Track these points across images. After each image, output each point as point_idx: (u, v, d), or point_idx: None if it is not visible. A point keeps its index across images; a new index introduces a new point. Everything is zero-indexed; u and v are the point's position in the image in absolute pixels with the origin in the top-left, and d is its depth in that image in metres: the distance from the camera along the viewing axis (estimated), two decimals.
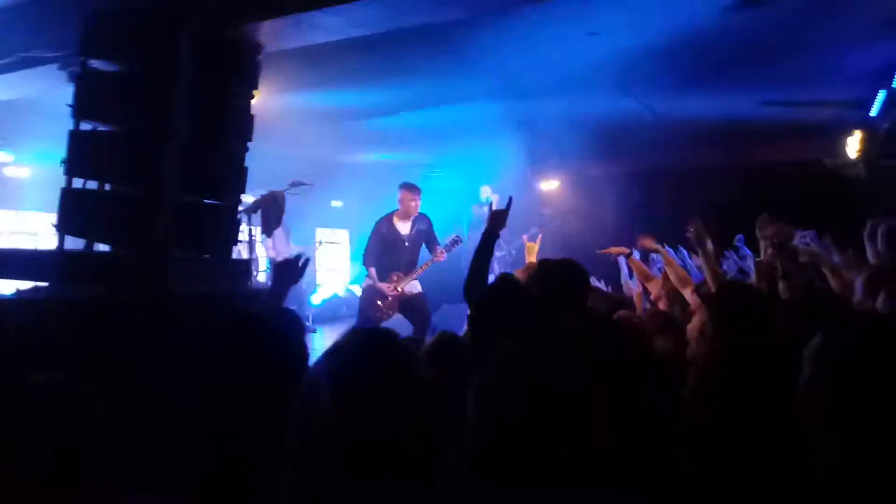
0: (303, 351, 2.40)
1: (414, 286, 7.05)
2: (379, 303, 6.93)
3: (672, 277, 3.88)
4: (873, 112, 7.08)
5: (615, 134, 8.29)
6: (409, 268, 7.00)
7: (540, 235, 5.39)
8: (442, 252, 6.99)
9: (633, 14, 5.00)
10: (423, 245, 7.12)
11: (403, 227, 7.07)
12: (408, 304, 6.97)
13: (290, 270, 2.80)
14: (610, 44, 5.50)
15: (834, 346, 1.38)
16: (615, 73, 6.12)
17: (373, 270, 6.99)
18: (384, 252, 7.02)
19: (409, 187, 7.05)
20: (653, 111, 7.45)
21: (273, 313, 2.53)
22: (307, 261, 2.89)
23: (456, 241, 7.18)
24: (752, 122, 8.12)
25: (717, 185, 9.18)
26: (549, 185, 10.04)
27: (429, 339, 2.89)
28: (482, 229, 3.26)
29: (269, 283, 3.04)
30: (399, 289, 6.91)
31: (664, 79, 6.33)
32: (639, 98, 7.02)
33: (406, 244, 7.03)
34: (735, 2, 4.77)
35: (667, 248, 4.49)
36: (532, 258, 4.70)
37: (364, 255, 7.14)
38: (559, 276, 2.87)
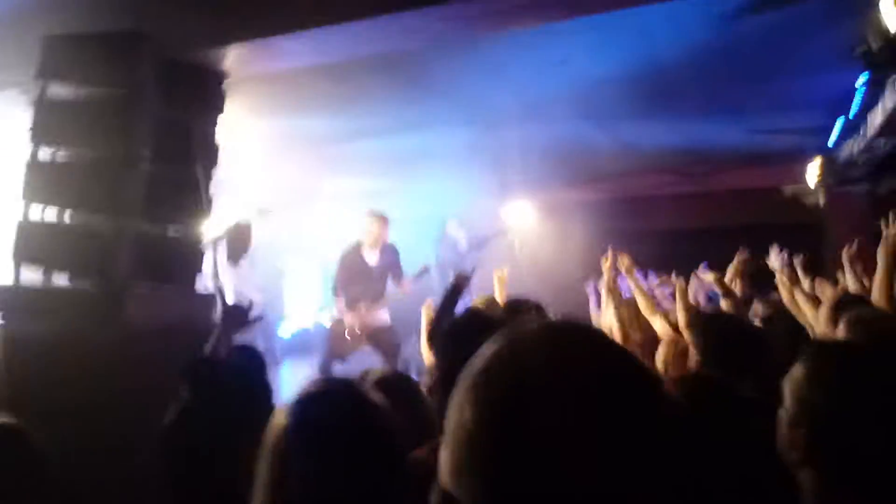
0: (264, 390, 2.34)
1: (383, 317, 6.93)
2: (347, 335, 6.80)
3: (641, 304, 3.86)
4: (831, 141, 7.23)
5: (582, 161, 8.35)
6: (376, 298, 6.88)
7: (505, 269, 5.30)
8: (408, 283, 6.91)
9: (599, 44, 5.05)
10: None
11: (371, 257, 6.96)
12: (376, 336, 6.85)
13: (240, 317, 2.72)
14: (576, 72, 5.55)
15: (817, 377, 1.37)
16: (581, 101, 6.17)
17: (341, 301, 6.87)
18: (352, 282, 6.90)
19: (378, 216, 6.97)
20: (618, 139, 7.53)
21: (234, 351, 2.46)
22: (259, 317, 2.80)
23: (424, 271, 7.10)
24: (714, 149, 8.26)
25: (681, 212, 9.31)
26: (518, 211, 10.05)
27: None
28: (446, 269, 3.27)
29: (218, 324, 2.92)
30: (365, 320, 6.81)
31: (628, 107, 6.39)
32: (604, 126, 7.08)
33: (374, 274, 6.93)
34: (698, 32, 4.85)
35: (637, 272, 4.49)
36: (502, 292, 4.67)
37: (333, 286, 7.01)
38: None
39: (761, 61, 5.52)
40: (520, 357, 0.70)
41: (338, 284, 6.95)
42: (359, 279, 6.88)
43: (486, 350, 0.73)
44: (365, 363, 6.06)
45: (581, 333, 0.73)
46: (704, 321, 2.93)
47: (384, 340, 6.84)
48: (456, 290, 3.22)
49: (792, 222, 8.37)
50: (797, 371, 1.42)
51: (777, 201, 8.85)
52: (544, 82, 5.83)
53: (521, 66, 5.46)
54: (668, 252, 7.50)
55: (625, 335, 3.81)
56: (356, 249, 6.98)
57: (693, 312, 3.39)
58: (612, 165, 8.59)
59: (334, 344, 6.82)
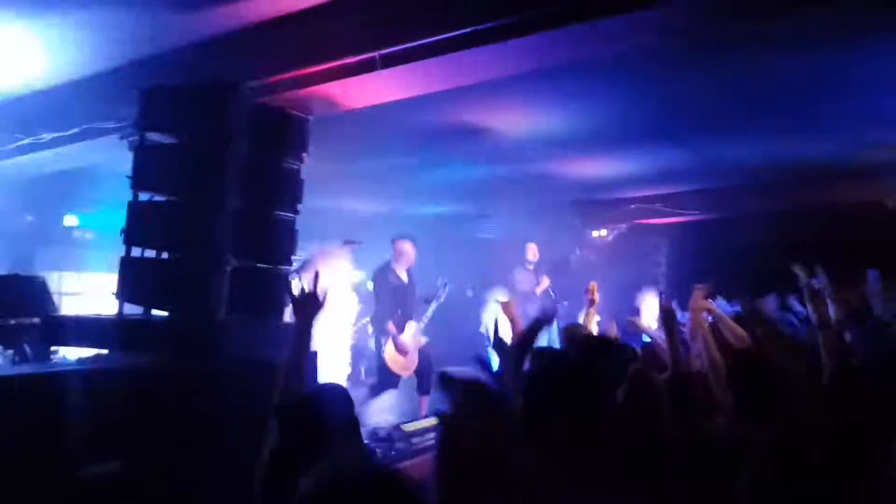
0: (353, 426, 2.42)
1: (422, 337, 7.03)
2: (402, 359, 6.80)
3: (729, 336, 3.71)
4: None
5: (667, 182, 8.20)
6: (415, 318, 6.97)
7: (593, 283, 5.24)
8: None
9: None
10: None
11: (405, 277, 7.05)
12: (419, 357, 6.92)
13: (313, 302, 2.71)
14: (661, 93, 5.47)
15: None
16: (667, 122, 6.08)
17: (391, 325, 6.78)
18: (397, 304, 6.90)
19: (411, 238, 7.06)
20: (705, 158, 7.36)
21: (324, 392, 2.54)
22: (325, 293, 2.75)
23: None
24: (808, 163, 7.94)
25: (776, 229, 8.96)
26: (600, 233, 9.92)
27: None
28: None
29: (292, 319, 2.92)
30: (414, 342, 6.86)
31: (720, 124, 6.27)
32: (690, 145, 6.94)
33: (409, 293, 7.04)
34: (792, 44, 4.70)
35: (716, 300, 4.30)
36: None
37: (379, 310, 6.93)
38: None
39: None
40: None
41: (386, 308, 6.89)
42: (402, 300, 6.94)
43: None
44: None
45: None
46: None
47: (423, 360, 6.90)
48: (537, 326, 3.22)
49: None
50: None
51: (878, 215, 8.42)
52: (623, 107, 5.77)
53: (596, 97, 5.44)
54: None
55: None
56: (392, 270, 7.00)
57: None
58: (697, 184, 8.39)
59: (390, 369, 6.75)
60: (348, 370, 7.58)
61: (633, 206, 9.14)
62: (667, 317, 3.26)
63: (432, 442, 3.44)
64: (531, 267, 8.63)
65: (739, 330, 3.76)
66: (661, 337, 3.95)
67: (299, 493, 1.36)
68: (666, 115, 6.02)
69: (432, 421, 4.54)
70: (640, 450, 1.67)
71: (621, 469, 1.66)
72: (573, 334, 3.96)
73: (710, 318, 3.92)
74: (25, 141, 5.77)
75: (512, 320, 3.87)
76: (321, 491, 1.35)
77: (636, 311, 6.68)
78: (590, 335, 3.88)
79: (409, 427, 4.78)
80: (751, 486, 1.45)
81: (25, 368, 4.14)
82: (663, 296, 3.63)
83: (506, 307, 4.00)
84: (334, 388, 2.63)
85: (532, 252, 8.61)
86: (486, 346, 6.99)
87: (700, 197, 8.91)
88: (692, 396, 2.78)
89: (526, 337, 3.12)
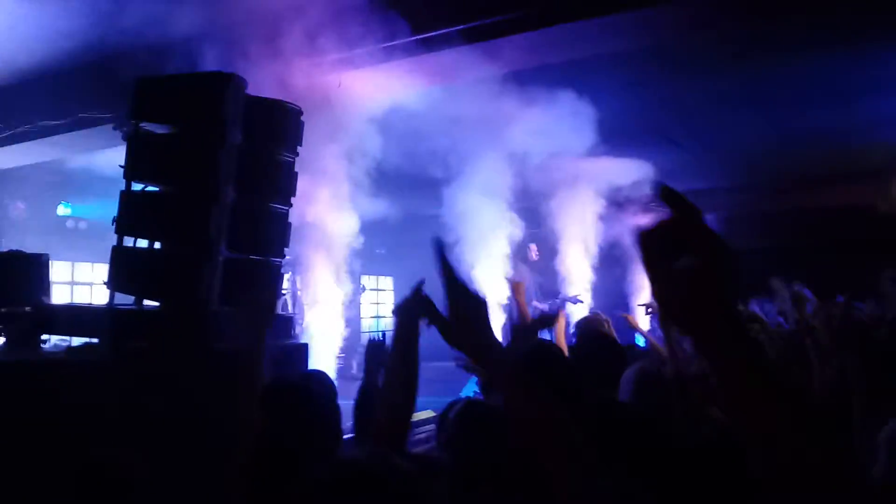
0: (333, 416, 2.43)
1: None
2: None
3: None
4: None
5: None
6: None
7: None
8: None
9: None
10: None
11: None
12: None
13: (382, 351, 2.75)
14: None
15: None
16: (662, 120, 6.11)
17: None
18: None
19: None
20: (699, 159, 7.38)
21: (307, 378, 2.56)
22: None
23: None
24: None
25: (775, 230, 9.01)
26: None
27: None
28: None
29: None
30: None
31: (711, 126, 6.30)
32: (686, 146, 6.97)
33: None
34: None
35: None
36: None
37: None
38: None
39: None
40: None
41: None
42: None
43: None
44: None
45: None
46: None
47: None
48: (541, 323, 3.24)
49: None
50: None
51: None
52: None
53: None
54: None
55: None
56: None
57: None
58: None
59: None
60: (336, 364, 7.58)
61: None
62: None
63: (426, 434, 3.46)
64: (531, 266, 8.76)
65: None
66: (658, 336, 3.95)
67: (311, 480, 1.37)
68: (663, 115, 6.04)
69: (429, 413, 4.56)
70: (649, 448, 1.67)
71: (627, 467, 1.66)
72: (588, 325, 3.92)
73: None
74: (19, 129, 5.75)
75: (519, 305, 3.84)
76: (338, 477, 1.36)
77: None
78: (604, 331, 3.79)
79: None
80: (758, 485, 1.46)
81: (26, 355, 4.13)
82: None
83: (517, 288, 3.95)
84: (319, 375, 2.65)
85: (533, 252, 8.71)
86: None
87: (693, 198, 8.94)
88: (694, 395, 2.80)
89: (530, 328, 3.11)
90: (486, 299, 1.40)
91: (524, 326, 3.47)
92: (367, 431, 2.58)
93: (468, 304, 1.39)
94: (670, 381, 2.53)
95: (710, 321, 0.82)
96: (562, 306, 4.93)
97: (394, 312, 2.16)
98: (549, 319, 3.17)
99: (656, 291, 0.87)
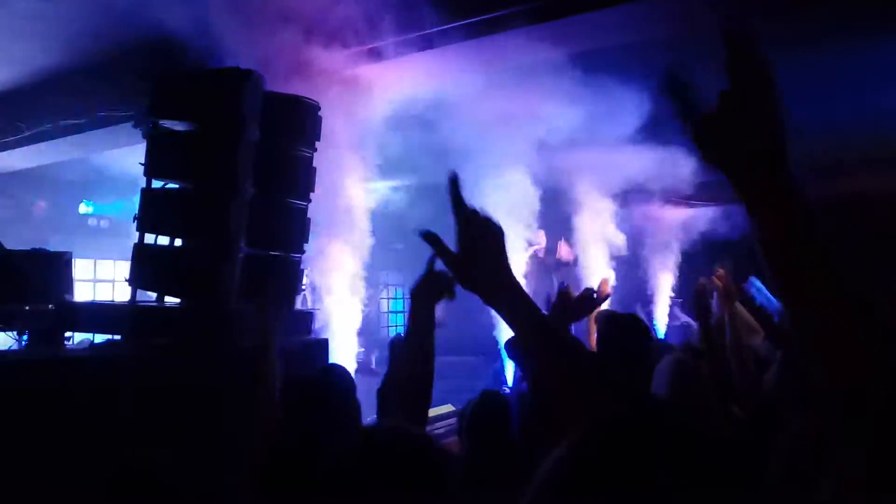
0: (353, 409, 2.43)
1: None
2: None
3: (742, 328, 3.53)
4: None
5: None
6: None
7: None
8: None
9: None
10: None
11: None
12: None
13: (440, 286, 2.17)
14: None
15: None
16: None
17: None
18: None
19: None
20: None
21: (325, 373, 2.56)
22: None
23: None
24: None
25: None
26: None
27: None
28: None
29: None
30: None
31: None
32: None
33: None
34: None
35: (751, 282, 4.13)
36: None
37: None
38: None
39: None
40: None
41: None
42: None
43: None
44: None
45: None
46: None
47: None
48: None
49: None
50: None
51: None
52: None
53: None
54: None
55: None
56: None
57: None
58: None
59: None
60: (356, 360, 7.60)
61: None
62: (701, 300, 3.13)
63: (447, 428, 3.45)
64: (540, 255, 8.69)
65: (754, 322, 3.69)
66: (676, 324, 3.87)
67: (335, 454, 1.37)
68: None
69: (449, 408, 4.55)
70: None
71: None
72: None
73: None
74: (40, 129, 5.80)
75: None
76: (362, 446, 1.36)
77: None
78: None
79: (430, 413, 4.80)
80: (785, 472, 1.42)
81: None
82: (699, 278, 3.40)
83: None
84: (337, 369, 2.65)
85: (541, 238, 8.67)
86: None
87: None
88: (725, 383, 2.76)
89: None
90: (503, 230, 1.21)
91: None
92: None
93: (483, 231, 1.19)
94: (707, 375, 2.47)
95: (764, 171, 0.73)
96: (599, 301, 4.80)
97: (409, 294, 2.10)
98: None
99: (695, 133, 0.78)
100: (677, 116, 0.79)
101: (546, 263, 8.85)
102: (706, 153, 0.78)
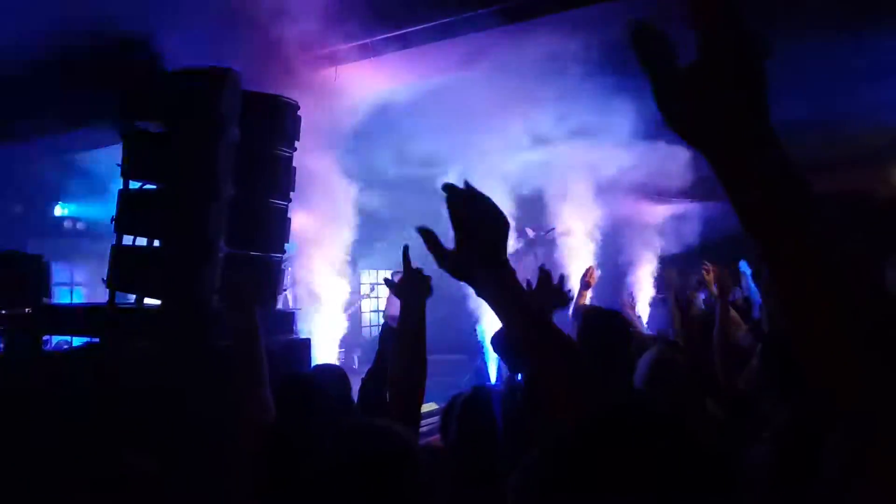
0: (349, 407, 2.43)
1: None
2: None
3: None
4: None
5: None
6: None
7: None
8: None
9: None
10: None
11: None
12: None
13: (423, 282, 2.10)
14: None
15: None
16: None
17: None
18: None
19: None
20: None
21: (319, 372, 2.55)
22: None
23: None
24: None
25: None
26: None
27: None
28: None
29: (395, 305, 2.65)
30: None
31: None
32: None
33: None
34: None
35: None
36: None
37: None
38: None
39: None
40: None
41: None
42: None
43: None
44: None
45: None
46: None
47: None
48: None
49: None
50: None
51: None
52: None
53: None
54: None
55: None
56: None
57: None
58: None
59: None
60: (339, 359, 7.57)
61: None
62: (676, 292, 3.15)
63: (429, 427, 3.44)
64: (531, 234, 8.71)
65: (737, 316, 3.72)
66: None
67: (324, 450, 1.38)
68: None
69: (432, 405, 4.54)
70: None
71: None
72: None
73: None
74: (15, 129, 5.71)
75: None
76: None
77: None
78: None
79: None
80: (771, 460, 1.44)
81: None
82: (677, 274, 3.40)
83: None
84: (331, 368, 2.64)
85: (529, 231, 8.66)
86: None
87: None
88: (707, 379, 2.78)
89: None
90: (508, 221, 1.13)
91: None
92: (372, 410, 2.55)
93: (486, 214, 1.11)
94: (684, 369, 2.49)
95: (736, 131, 0.66)
96: (583, 287, 4.80)
97: (396, 293, 2.09)
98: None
99: (660, 95, 0.71)
100: (644, 69, 0.72)
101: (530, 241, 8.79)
102: (671, 112, 0.71)
